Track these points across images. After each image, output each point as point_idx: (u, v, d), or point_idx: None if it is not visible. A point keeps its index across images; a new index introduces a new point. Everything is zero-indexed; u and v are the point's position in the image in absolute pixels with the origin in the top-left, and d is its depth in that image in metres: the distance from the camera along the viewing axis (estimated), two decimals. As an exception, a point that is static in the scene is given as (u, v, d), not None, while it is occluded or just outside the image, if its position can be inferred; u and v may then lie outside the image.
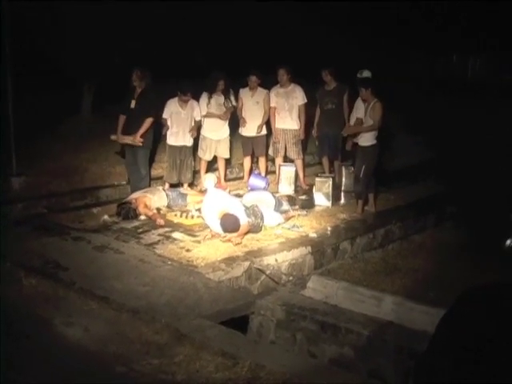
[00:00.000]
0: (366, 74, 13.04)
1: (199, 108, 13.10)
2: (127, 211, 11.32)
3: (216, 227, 10.29)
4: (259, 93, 13.57)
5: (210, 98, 13.32)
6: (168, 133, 13.04)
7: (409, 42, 26.88)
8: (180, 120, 12.96)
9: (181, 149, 13.03)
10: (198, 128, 13.16)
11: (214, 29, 22.01)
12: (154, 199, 11.71)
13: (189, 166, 13.11)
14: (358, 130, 12.02)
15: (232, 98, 13.58)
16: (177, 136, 13.00)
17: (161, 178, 13.41)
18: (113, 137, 12.60)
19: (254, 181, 13.35)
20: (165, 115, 12.96)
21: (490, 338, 1.93)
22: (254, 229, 10.54)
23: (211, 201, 10.53)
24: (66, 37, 15.62)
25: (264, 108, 13.57)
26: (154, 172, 13.58)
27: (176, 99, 12.96)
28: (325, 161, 14.13)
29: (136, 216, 11.32)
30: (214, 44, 22.31)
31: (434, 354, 2.12)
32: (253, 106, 13.64)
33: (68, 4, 15.36)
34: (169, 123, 12.95)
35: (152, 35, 17.84)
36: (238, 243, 10.01)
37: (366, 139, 11.99)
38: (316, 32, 23.70)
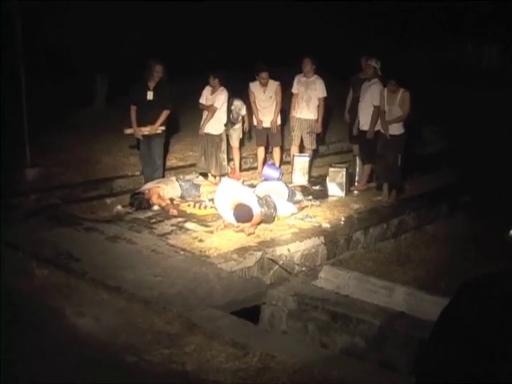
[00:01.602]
0: (375, 63, 12.95)
1: (223, 97, 12.99)
2: (140, 202, 11.34)
3: (229, 217, 10.29)
4: (271, 86, 13.51)
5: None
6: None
7: (425, 31, 26.81)
8: (206, 106, 13.04)
9: (207, 137, 13.04)
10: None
11: (223, 22, 22.07)
12: (167, 190, 11.71)
13: (214, 156, 13.01)
14: (395, 122, 11.99)
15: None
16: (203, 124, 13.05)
17: (175, 168, 13.44)
18: (128, 131, 12.52)
19: (268, 171, 13.33)
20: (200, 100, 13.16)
21: (488, 327, 1.93)
22: (267, 219, 10.53)
23: (224, 191, 10.52)
24: (78, 28, 15.64)
25: (276, 100, 13.54)
26: (168, 163, 13.59)
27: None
28: (355, 148, 13.95)
29: (149, 206, 11.33)
30: (224, 37, 22.35)
31: (434, 345, 2.11)
32: (266, 102, 13.60)
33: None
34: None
35: (163, 27, 17.89)
36: (251, 233, 10.00)
37: (398, 128, 12.03)
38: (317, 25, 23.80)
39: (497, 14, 26.27)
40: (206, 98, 13.07)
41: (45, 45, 15.75)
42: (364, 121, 12.78)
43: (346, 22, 24.79)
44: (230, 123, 13.33)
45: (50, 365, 5.86)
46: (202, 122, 13.00)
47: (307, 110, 13.55)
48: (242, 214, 10.14)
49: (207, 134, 12.97)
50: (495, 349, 1.90)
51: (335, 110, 15.62)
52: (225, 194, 10.45)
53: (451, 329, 2.04)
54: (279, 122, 13.79)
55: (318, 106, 13.53)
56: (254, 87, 13.58)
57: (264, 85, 13.46)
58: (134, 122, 12.34)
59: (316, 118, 13.62)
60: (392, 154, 12.00)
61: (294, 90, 13.58)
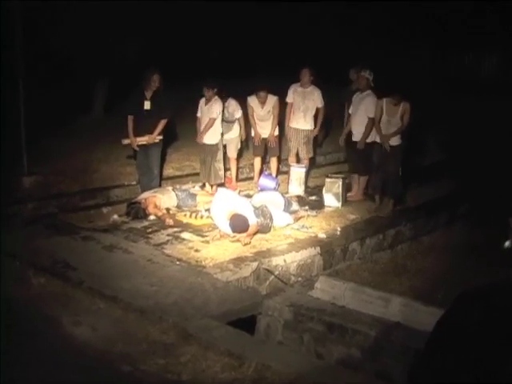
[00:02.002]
0: (368, 74, 12.99)
1: (218, 106, 13.00)
2: (136, 211, 11.35)
3: (225, 227, 10.31)
4: (269, 101, 13.52)
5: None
6: None
7: (424, 40, 26.92)
8: (202, 117, 13.06)
9: (204, 147, 13.09)
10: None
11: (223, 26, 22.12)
12: (163, 199, 11.73)
13: (210, 165, 13.01)
14: (396, 134, 12.09)
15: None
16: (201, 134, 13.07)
17: (171, 178, 13.47)
18: (125, 141, 12.51)
19: (264, 181, 13.36)
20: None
21: (487, 337, 1.94)
22: (263, 229, 10.54)
23: (220, 201, 10.54)
24: (79, 31, 15.66)
25: (273, 113, 13.56)
26: (165, 172, 13.61)
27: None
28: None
29: (145, 216, 11.35)
30: (223, 44, 22.41)
31: (430, 355, 2.13)
32: (264, 116, 13.63)
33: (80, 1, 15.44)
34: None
35: (163, 32, 17.92)
36: (247, 243, 10.03)
37: (396, 139, 12.17)
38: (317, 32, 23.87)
39: (497, 24, 26.32)
40: (201, 109, 13.09)
41: (45, 48, 15.74)
42: (357, 132, 12.88)
43: (345, 31, 24.84)
44: (224, 122, 13.31)
45: (46, 373, 5.86)
46: (199, 132, 13.01)
47: (304, 120, 13.59)
48: (238, 223, 10.16)
49: (204, 144, 12.99)
50: (495, 359, 1.91)
51: (332, 119, 15.64)
52: (221, 203, 10.47)
53: (449, 338, 2.06)
54: (277, 132, 13.79)
55: (315, 116, 13.58)
56: (253, 102, 13.59)
57: (262, 102, 13.50)
58: (131, 132, 12.34)
59: (312, 128, 13.68)
60: (393, 165, 12.08)
61: (289, 99, 13.61)
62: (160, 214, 11.36)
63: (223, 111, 13.13)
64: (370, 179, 12.88)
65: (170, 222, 11.12)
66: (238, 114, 13.63)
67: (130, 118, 12.34)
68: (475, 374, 1.92)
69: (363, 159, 12.78)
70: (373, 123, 12.38)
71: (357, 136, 12.90)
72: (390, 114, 12.01)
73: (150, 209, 11.37)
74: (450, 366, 2.00)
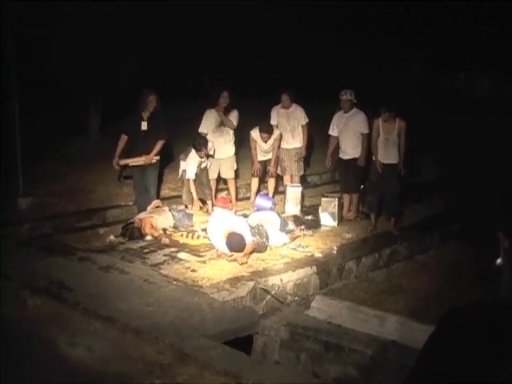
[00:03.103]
0: (350, 95, 12.99)
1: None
2: (132, 232, 11.37)
3: (222, 247, 10.33)
4: (272, 136, 13.65)
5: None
6: None
7: (416, 57, 27.07)
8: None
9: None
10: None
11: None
12: (160, 220, 11.73)
13: (202, 182, 13.05)
14: (405, 157, 12.26)
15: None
16: None
17: (167, 198, 13.47)
18: (122, 161, 12.53)
19: (261, 201, 13.37)
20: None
21: (473, 355, 1.97)
22: (260, 248, 10.56)
23: (217, 220, 10.57)
24: (71, 58, 15.75)
25: (274, 146, 13.66)
26: (161, 193, 13.61)
27: None
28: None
29: (141, 236, 11.35)
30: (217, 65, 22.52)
31: (419, 373, 2.15)
32: (268, 149, 13.79)
33: (71, 24, 15.53)
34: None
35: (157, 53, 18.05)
36: (244, 263, 10.04)
37: (396, 157, 12.25)
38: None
39: (489, 44, 26.51)
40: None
41: (39, 72, 15.83)
42: (348, 150, 13.00)
43: (334, 47, 24.91)
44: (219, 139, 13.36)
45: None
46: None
47: (292, 139, 13.82)
48: (235, 241, 10.18)
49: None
50: (482, 372, 1.94)
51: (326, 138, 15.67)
52: (217, 223, 10.49)
53: (438, 354, 2.08)
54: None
55: (303, 133, 13.76)
56: (256, 136, 13.66)
57: (266, 140, 13.63)
58: (118, 150, 12.41)
59: (301, 145, 13.90)
60: (395, 184, 12.15)
61: (273, 121, 13.83)
62: (156, 234, 11.37)
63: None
64: (364, 197, 12.92)
65: (165, 240, 11.12)
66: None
67: (123, 138, 12.37)
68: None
69: (356, 176, 12.93)
70: (368, 139, 12.47)
71: (350, 154, 12.99)
72: (386, 133, 12.08)
73: (147, 229, 11.38)
74: (440, 380, 2.02)
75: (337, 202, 12.64)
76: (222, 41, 23.10)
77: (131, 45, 16.91)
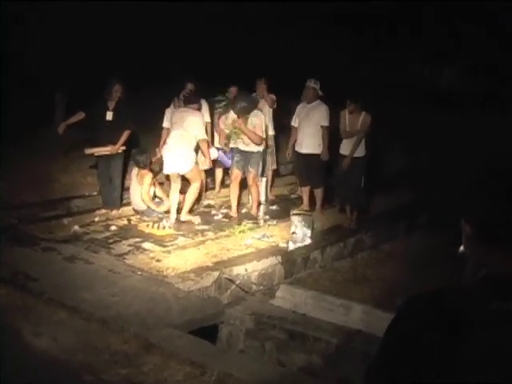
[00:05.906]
0: (314, 83, 12.75)
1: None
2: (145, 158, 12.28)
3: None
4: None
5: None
6: None
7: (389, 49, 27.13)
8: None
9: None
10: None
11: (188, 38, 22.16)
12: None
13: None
14: (356, 145, 12.06)
15: None
16: None
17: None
18: (88, 150, 12.52)
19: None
20: None
21: (433, 342, 1.98)
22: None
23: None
24: (36, 47, 15.62)
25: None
26: (126, 183, 13.51)
27: None
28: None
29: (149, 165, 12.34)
30: (186, 53, 22.40)
31: (379, 362, 2.18)
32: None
33: (38, 11, 15.40)
34: None
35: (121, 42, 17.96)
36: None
37: (360, 150, 12.14)
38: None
39: (457, 37, 26.71)
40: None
41: (5, 61, 15.67)
42: (305, 142, 12.65)
43: (304, 42, 24.87)
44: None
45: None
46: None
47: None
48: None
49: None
50: (445, 360, 1.96)
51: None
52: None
53: (399, 341, 2.10)
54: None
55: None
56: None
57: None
58: (69, 121, 12.80)
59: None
60: (355, 177, 12.07)
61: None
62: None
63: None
64: (334, 191, 12.83)
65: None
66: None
67: (80, 114, 12.62)
68: (426, 376, 1.96)
69: (318, 172, 12.73)
70: (328, 131, 12.39)
71: (309, 147, 12.63)
72: (351, 126, 12.02)
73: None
74: (401, 368, 2.04)
75: (309, 221, 11.43)
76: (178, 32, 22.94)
77: (99, 33, 16.79)
